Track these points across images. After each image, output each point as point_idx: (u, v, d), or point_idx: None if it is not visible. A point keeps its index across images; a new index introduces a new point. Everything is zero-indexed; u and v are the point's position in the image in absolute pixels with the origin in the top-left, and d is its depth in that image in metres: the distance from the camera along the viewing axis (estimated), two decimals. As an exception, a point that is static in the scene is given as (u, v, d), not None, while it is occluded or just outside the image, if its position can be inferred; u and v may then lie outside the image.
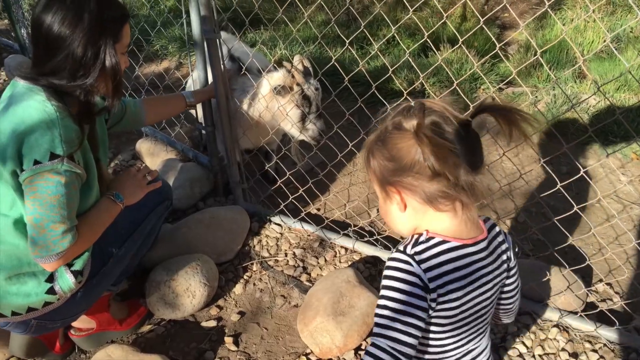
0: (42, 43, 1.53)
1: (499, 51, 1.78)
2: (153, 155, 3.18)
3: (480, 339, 1.26)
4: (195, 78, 2.59)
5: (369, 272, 2.44)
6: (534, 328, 2.15)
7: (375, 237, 2.49)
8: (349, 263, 2.50)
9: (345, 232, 2.56)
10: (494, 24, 4.94)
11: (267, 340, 2.17)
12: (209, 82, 2.51)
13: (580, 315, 2.11)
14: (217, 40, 2.27)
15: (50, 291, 1.64)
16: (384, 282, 1.11)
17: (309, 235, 2.66)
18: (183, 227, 2.51)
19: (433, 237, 1.12)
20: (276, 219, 2.75)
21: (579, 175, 1.87)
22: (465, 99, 2.31)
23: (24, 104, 1.52)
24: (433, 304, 1.10)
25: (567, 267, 2.12)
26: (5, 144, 1.49)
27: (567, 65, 4.05)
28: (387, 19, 2.23)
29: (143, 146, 3.23)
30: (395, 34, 2.18)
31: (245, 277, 2.46)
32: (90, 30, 1.51)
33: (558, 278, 2.20)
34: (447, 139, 1.02)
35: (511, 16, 5.12)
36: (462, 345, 1.22)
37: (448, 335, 1.18)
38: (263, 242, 2.65)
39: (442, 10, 2.11)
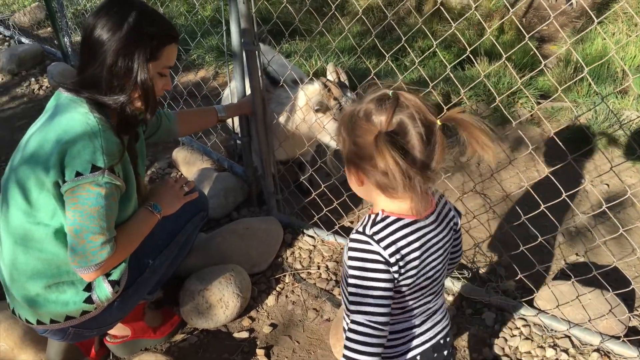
0: (85, 46, 1.58)
1: (540, 65, 1.74)
2: (189, 164, 3.21)
3: (437, 298, 1.40)
4: (233, 89, 2.61)
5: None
6: (573, 352, 2.08)
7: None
8: (383, 278, 2.47)
9: (379, 246, 2.52)
10: (532, 37, 4.86)
11: (299, 354, 2.15)
12: (247, 94, 2.52)
13: (623, 340, 2.04)
14: (256, 52, 2.28)
15: (88, 300, 1.66)
16: (349, 262, 1.21)
17: (342, 249, 2.64)
18: (217, 237, 2.53)
19: (388, 216, 1.22)
20: (309, 231, 2.74)
21: (627, 196, 1.81)
22: (505, 113, 2.28)
23: (67, 115, 1.54)
24: (396, 275, 1.20)
25: (610, 290, 2.05)
26: (49, 153, 1.51)
27: (607, 80, 3.95)
28: (426, 30, 2.22)
29: (179, 155, 3.27)
30: (437, 49, 2.16)
31: (277, 288, 2.45)
32: (126, 40, 1.53)
33: (600, 301, 2.13)
34: (406, 144, 1.09)
35: (549, 29, 5.03)
36: (423, 305, 1.35)
37: (409, 298, 1.30)
38: (296, 254, 2.64)
39: (484, 24, 2.08)
